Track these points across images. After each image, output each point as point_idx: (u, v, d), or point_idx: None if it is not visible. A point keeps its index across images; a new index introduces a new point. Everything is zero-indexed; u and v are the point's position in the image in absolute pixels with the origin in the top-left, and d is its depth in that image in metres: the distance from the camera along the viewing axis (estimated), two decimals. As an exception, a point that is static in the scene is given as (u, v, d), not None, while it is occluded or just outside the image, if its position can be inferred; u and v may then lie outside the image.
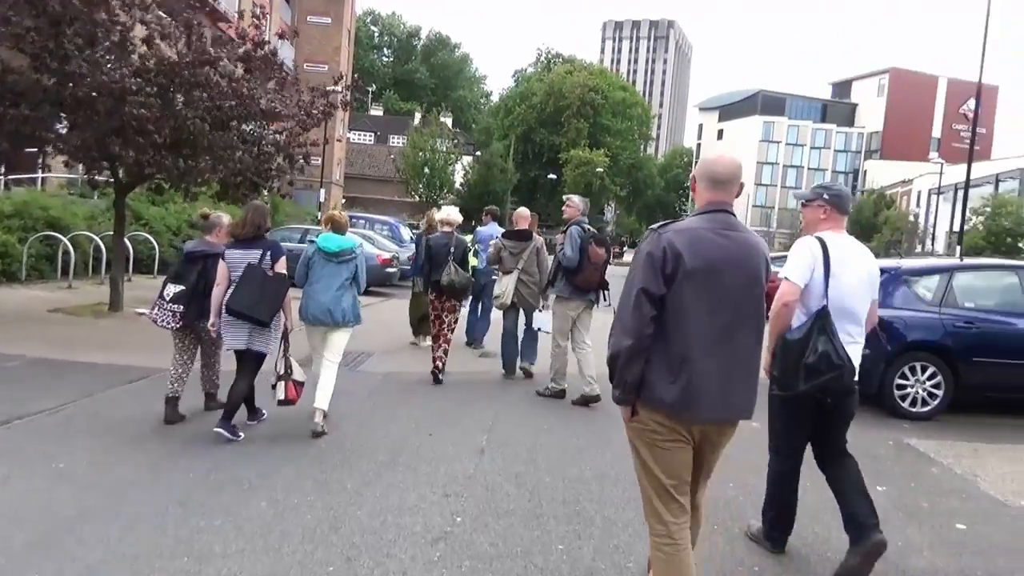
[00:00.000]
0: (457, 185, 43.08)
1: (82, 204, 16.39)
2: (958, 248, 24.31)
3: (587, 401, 6.99)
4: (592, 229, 7.14)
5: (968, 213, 38.28)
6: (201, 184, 10.52)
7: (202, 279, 5.59)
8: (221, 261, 5.44)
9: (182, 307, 5.58)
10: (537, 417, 6.57)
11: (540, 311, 8.02)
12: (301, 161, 11.11)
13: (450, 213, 8.19)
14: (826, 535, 4.26)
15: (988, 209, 35.90)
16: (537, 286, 7.90)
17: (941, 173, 42.61)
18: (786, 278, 3.63)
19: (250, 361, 5.51)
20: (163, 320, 5.63)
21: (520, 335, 8.33)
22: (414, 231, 27.22)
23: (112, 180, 10.67)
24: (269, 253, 5.42)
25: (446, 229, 8.02)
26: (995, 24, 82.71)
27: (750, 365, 2.83)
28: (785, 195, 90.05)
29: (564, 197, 7.57)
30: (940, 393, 7.28)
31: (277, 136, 10.68)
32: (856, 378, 3.61)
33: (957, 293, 7.54)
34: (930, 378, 7.28)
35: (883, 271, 7.82)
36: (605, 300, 7.19)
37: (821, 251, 3.61)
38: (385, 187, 52.93)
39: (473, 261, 9.22)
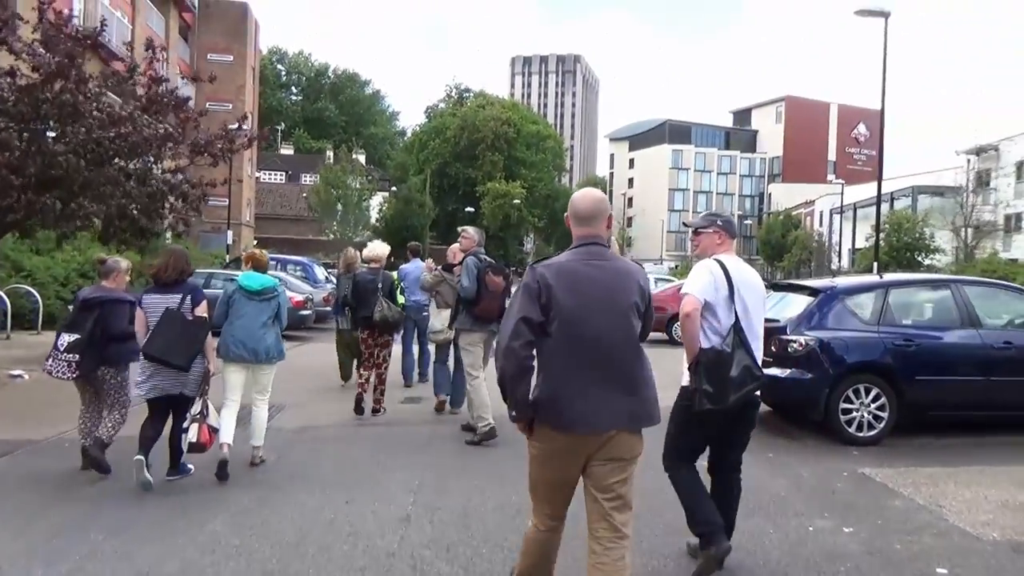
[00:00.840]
0: (373, 221, 42.04)
1: (-48, 256, 14.85)
2: (875, 264, 24.93)
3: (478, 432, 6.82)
4: (488, 259, 7.07)
5: (869, 230, 40.12)
6: (80, 227, 9.46)
7: (98, 326, 5.45)
8: (138, 308, 5.37)
9: (78, 356, 5.40)
10: (469, 472, 5.89)
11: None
12: (197, 201, 10.16)
13: (375, 248, 8.17)
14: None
15: (887, 226, 37.47)
16: None
17: (842, 194, 44.42)
18: (687, 292, 3.84)
19: (163, 408, 5.41)
20: (58, 371, 5.44)
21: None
22: (329, 271, 26.24)
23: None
24: (190, 297, 5.39)
25: (373, 265, 8.03)
26: (876, 50, 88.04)
27: (631, 379, 3.01)
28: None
29: (460, 229, 7.58)
30: (885, 415, 6.98)
31: (168, 175, 9.72)
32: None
33: (894, 310, 7.33)
34: (874, 400, 6.98)
35: (819, 291, 7.60)
36: None
37: (722, 272, 3.83)
38: (298, 226, 51.40)
39: (401, 299, 8.78)
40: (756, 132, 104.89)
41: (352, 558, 4.12)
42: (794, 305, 7.66)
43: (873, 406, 6.98)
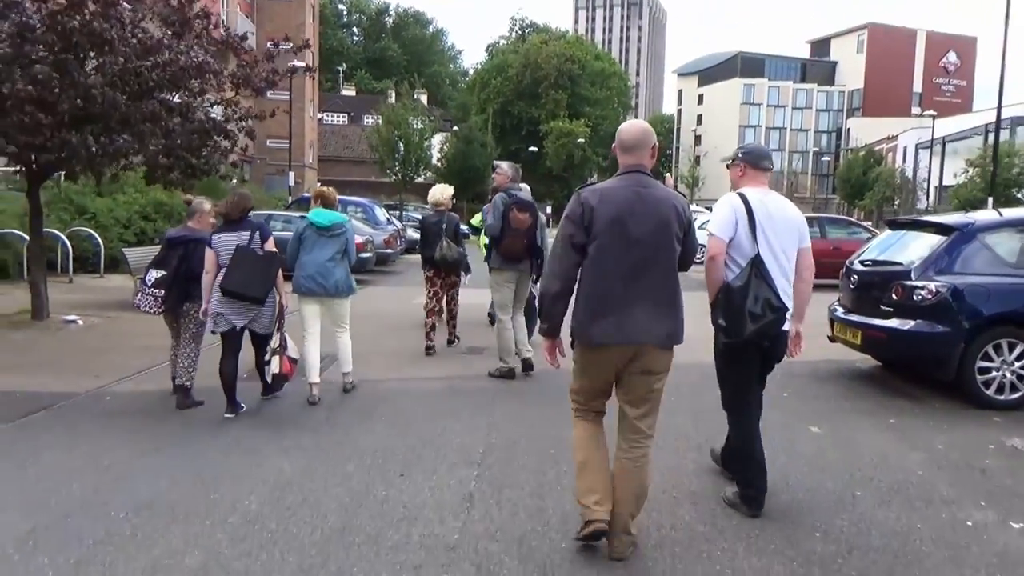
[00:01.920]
0: (434, 161, 41.12)
1: (14, 198, 14.68)
2: (989, 200, 22.68)
3: (524, 367, 6.94)
4: (518, 195, 6.77)
5: (963, 165, 37.22)
6: (122, 167, 8.88)
7: (183, 264, 5.68)
8: (208, 248, 5.49)
9: (163, 292, 5.64)
10: (539, 437, 5.13)
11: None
12: (244, 138, 9.45)
13: (438, 191, 8.33)
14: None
15: (984, 160, 34.64)
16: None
17: (933, 127, 41.17)
18: (710, 233, 3.77)
19: (236, 344, 5.58)
20: (146, 306, 5.70)
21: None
22: (391, 212, 25.70)
23: (21, 168, 9.03)
24: (258, 233, 5.54)
25: (440, 208, 8.18)
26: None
27: (661, 298, 3.18)
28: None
29: (494, 163, 7.47)
30: (1032, 375, 5.91)
31: (211, 110, 9.00)
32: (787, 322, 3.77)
33: (1047, 251, 6.15)
34: (1019, 358, 5.90)
35: (952, 228, 6.44)
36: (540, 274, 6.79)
37: (743, 205, 3.76)
38: (360, 168, 50.99)
39: (484, 239, 8.14)
40: (835, 63, 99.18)
41: (405, 551, 3.42)
42: (918, 245, 6.57)
43: (1017, 365, 5.90)
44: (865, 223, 17.00)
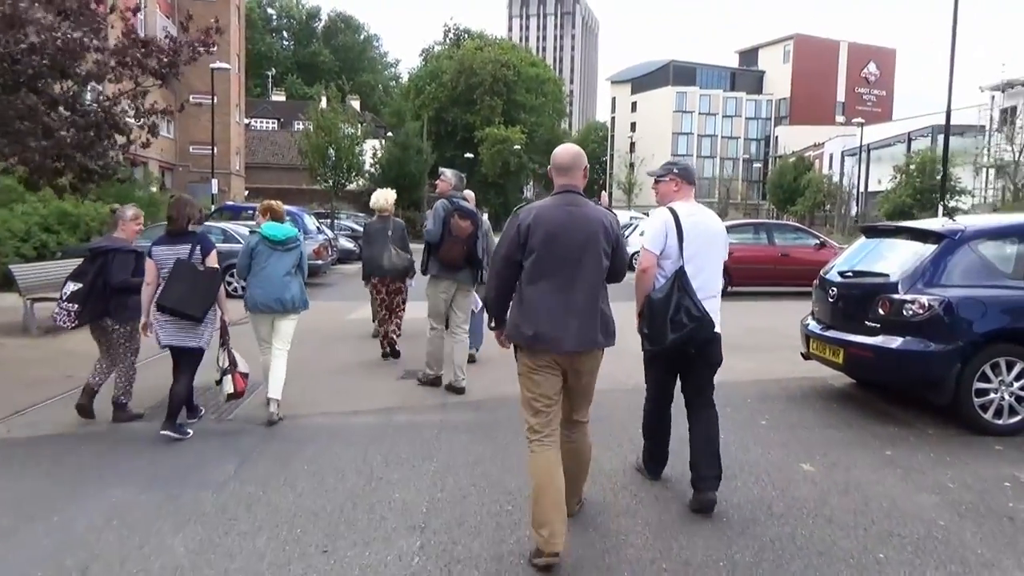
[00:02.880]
0: (367, 167, 39.75)
1: None
2: (939, 208, 22.74)
3: (454, 390, 6.59)
4: (460, 203, 6.65)
5: (891, 172, 38.06)
6: (-1, 171, 7.68)
7: (100, 276, 5.42)
8: (148, 259, 5.29)
9: (77, 306, 5.41)
10: (495, 487, 4.30)
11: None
12: (146, 135, 8.29)
13: (382, 196, 8.13)
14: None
15: (912, 167, 35.44)
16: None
17: (862, 134, 42.10)
18: (644, 247, 4.02)
19: (186, 359, 5.35)
20: (60, 319, 5.48)
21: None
22: (321, 221, 24.42)
23: None
24: (199, 247, 5.29)
25: (383, 214, 8.05)
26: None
27: (589, 308, 3.45)
28: (701, 164, 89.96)
29: (440, 170, 7.25)
30: (1032, 397, 5.39)
31: (106, 101, 7.85)
32: (716, 329, 3.97)
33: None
34: (1018, 378, 5.37)
35: (942, 236, 5.87)
36: (481, 280, 6.69)
37: (673, 219, 3.97)
38: (291, 175, 49.17)
39: None
40: (763, 73, 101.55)
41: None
42: (901, 254, 6.01)
43: (1016, 386, 5.37)
44: (809, 229, 16.69)
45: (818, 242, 14.77)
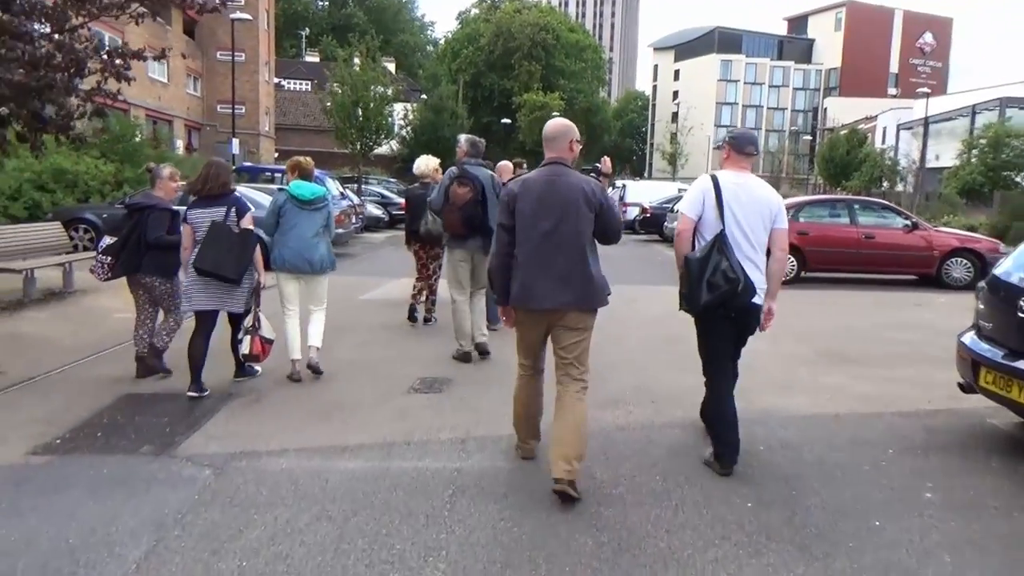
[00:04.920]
0: (397, 129, 38.04)
1: None
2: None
3: (480, 352, 6.71)
4: (468, 169, 6.61)
5: (960, 147, 35.42)
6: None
7: (134, 231, 5.49)
8: (184, 223, 5.29)
9: (110, 259, 5.58)
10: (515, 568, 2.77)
11: None
12: (112, 80, 6.72)
13: (423, 163, 8.25)
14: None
15: (982, 142, 32.82)
16: None
17: (927, 105, 39.22)
18: (680, 211, 4.20)
19: (211, 322, 5.36)
20: (97, 271, 5.68)
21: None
22: (346, 185, 22.92)
23: None
24: (234, 209, 5.27)
25: (425, 180, 8.16)
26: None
27: (569, 269, 3.73)
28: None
29: (458, 137, 7.25)
30: None
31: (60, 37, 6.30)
32: (756, 296, 3.96)
33: None
34: None
35: None
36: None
37: (712, 186, 4.03)
38: (321, 138, 47.89)
39: None
40: (812, 41, 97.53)
41: None
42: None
43: None
44: (899, 208, 14.70)
45: (908, 223, 12.79)
